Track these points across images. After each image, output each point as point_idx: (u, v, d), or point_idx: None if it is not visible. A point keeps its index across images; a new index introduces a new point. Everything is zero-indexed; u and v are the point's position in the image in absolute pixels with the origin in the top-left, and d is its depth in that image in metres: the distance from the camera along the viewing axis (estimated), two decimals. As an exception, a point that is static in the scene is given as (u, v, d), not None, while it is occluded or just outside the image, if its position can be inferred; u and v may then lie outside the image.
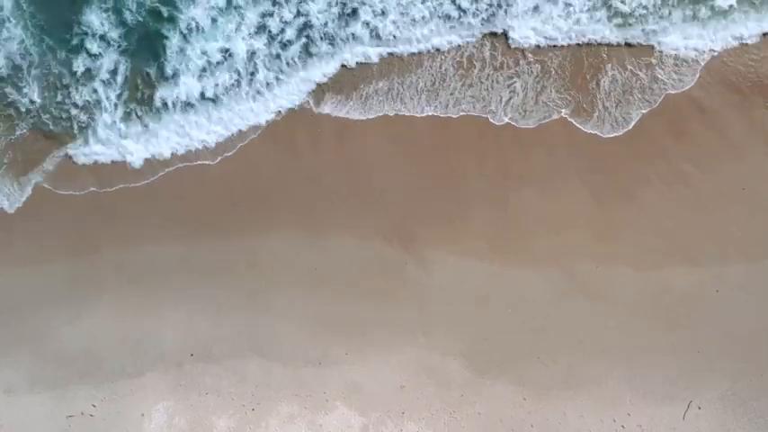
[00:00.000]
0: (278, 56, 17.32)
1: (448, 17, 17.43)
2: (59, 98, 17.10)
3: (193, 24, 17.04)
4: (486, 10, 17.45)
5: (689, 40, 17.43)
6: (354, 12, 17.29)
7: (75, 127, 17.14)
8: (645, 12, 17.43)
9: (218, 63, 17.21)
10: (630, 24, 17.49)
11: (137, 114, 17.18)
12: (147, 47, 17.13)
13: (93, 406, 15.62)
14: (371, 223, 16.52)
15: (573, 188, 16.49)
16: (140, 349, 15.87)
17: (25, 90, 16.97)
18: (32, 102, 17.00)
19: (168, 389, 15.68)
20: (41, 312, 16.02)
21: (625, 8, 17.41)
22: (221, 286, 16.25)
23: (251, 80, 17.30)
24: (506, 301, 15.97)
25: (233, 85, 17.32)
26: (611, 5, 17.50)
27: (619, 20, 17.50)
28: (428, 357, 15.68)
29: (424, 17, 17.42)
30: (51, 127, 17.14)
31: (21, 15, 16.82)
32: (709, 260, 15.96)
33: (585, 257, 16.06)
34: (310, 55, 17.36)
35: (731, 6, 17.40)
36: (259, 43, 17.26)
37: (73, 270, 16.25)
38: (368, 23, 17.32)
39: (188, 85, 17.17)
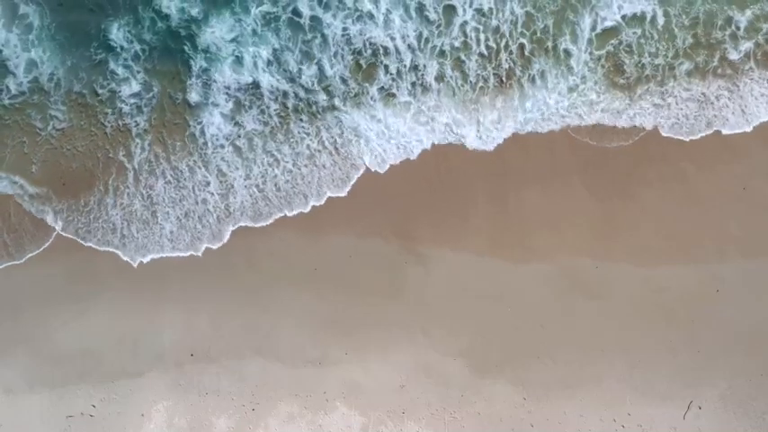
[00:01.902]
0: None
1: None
2: (85, 122, 16.49)
3: (212, 51, 16.49)
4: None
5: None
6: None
7: (100, 166, 16.51)
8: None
9: (248, 106, 16.74)
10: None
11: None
12: (170, 69, 16.61)
13: (93, 406, 15.61)
14: (371, 222, 16.50)
15: (573, 187, 16.48)
16: (140, 349, 15.85)
17: (52, 112, 16.35)
18: (56, 128, 16.37)
19: (168, 389, 15.68)
20: (41, 312, 15.99)
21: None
22: (221, 286, 16.25)
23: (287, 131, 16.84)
24: (506, 300, 15.97)
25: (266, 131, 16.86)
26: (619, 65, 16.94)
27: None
28: (428, 357, 15.69)
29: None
30: (73, 165, 16.50)
31: (45, 34, 16.30)
32: (709, 260, 15.96)
33: (585, 257, 16.06)
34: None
35: (746, 55, 16.90)
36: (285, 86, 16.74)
37: (72, 270, 16.25)
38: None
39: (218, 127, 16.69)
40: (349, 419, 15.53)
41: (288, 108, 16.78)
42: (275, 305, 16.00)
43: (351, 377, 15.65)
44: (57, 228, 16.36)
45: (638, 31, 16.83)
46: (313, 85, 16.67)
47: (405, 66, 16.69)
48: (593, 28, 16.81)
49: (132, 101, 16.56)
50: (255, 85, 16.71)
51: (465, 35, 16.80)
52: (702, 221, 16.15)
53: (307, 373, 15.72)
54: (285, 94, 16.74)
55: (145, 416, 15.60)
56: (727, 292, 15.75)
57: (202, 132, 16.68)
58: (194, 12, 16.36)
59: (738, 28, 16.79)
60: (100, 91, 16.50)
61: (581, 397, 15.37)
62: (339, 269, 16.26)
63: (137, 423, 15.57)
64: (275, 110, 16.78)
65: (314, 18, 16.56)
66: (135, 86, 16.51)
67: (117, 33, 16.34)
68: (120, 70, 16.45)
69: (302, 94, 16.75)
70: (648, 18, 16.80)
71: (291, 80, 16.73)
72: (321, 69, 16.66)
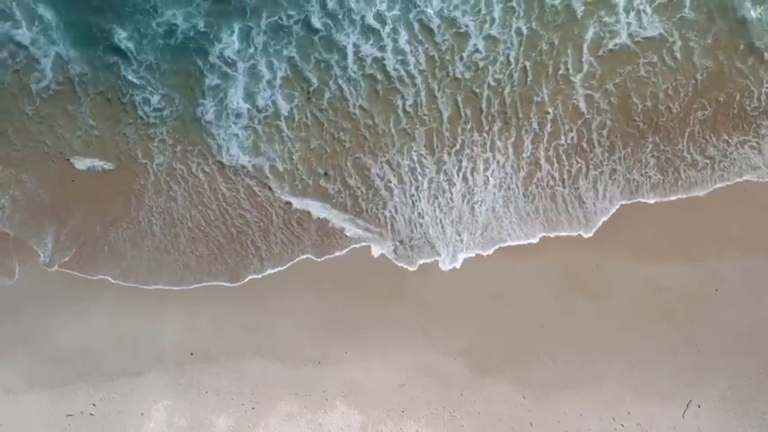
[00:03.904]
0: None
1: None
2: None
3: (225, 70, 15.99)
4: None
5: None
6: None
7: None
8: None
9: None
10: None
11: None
12: (187, 82, 16.14)
13: (93, 405, 15.63)
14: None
15: (573, 187, 16.45)
16: (140, 349, 15.86)
17: (78, 121, 16.07)
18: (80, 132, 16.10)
19: (168, 388, 15.70)
20: (41, 312, 16.02)
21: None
22: (220, 286, 16.25)
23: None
24: (506, 300, 15.95)
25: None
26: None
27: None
28: (428, 357, 15.68)
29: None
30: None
31: (61, 33, 15.96)
32: (709, 259, 15.92)
33: (585, 257, 16.03)
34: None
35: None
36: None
37: (74, 270, 16.25)
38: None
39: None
40: (349, 418, 15.55)
41: (311, 148, 16.22)
42: (275, 305, 16.00)
43: (350, 376, 15.66)
44: (43, 256, 16.13)
45: (654, 58, 15.74)
46: (336, 115, 16.15)
47: (421, 99, 16.03)
48: (598, 47, 15.83)
49: (153, 113, 16.21)
50: (276, 115, 16.22)
51: (476, 66, 15.94)
52: (702, 221, 16.12)
53: (306, 373, 15.73)
54: (307, 127, 16.18)
55: (145, 415, 15.62)
56: (726, 291, 15.72)
57: (223, 149, 16.27)
58: (200, 25, 15.94)
59: (762, 60, 15.72)
60: (123, 99, 16.17)
61: (581, 396, 15.37)
62: (339, 269, 16.27)
63: (137, 422, 15.59)
64: (299, 154, 16.24)
65: (325, 37, 15.98)
66: (155, 97, 16.18)
67: (126, 43, 15.96)
68: (134, 79, 16.09)
69: (326, 125, 16.16)
70: (667, 44, 15.60)
71: (308, 99, 16.15)
72: (340, 91, 16.10)
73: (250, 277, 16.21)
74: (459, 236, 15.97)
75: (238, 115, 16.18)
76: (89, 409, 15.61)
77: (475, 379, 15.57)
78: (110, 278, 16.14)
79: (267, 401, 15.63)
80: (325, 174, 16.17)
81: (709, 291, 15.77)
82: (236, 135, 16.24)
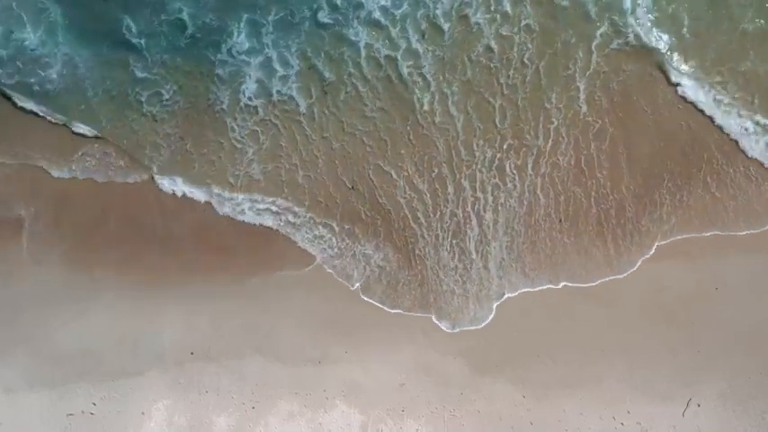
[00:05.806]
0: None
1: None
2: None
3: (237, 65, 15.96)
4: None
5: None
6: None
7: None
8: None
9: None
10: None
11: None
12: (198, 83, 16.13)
13: (94, 404, 15.65)
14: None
15: (573, 186, 16.42)
16: (140, 348, 15.88)
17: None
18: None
19: (168, 387, 15.72)
20: (41, 312, 16.02)
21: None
22: (221, 285, 16.23)
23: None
24: (506, 299, 15.97)
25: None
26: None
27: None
28: (428, 356, 15.69)
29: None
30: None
31: (65, 32, 16.08)
32: (708, 259, 15.90)
33: (585, 256, 16.06)
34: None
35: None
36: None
37: (72, 270, 16.23)
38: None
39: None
40: (349, 417, 15.56)
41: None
42: (275, 305, 16.00)
43: (350, 376, 15.67)
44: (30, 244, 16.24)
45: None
46: (353, 115, 16.04)
47: (435, 106, 15.82)
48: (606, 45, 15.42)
49: (162, 108, 16.21)
50: (296, 110, 16.12)
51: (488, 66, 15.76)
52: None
53: (306, 372, 15.74)
54: (327, 125, 16.01)
55: (145, 414, 15.64)
56: (726, 291, 15.70)
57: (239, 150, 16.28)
58: (210, 19, 15.90)
59: None
60: (130, 95, 16.19)
61: (581, 396, 15.38)
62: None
63: (137, 421, 15.61)
64: (323, 159, 16.13)
65: (336, 32, 15.93)
66: (165, 92, 16.18)
67: (136, 37, 15.96)
68: (144, 73, 16.10)
69: (346, 126, 16.04)
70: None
71: (324, 93, 15.97)
72: (355, 89, 15.99)
73: (286, 273, 16.23)
74: (480, 303, 15.91)
75: (254, 111, 16.13)
76: (89, 409, 15.63)
77: (475, 378, 15.57)
78: (111, 273, 16.14)
79: (267, 401, 15.64)
80: (352, 188, 16.06)
81: (709, 290, 15.75)
82: (255, 131, 16.19)
